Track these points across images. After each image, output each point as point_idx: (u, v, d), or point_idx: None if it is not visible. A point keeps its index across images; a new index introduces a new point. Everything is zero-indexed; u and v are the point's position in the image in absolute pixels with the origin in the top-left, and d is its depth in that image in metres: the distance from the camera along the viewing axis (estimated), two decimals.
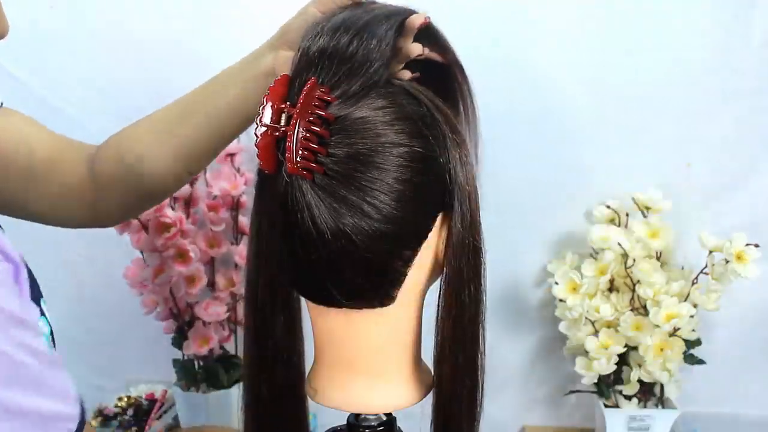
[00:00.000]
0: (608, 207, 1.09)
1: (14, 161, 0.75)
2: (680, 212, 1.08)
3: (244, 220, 1.10)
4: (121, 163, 0.77)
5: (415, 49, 0.66)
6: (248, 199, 1.09)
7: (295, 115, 0.55)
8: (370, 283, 0.58)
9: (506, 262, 1.12)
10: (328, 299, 0.59)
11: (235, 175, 1.09)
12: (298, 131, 0.54)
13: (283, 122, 0.55)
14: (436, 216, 0.58)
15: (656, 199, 1.07)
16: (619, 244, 1.02)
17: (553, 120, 1.09)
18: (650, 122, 1.09)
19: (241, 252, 1.10)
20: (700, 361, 1.07)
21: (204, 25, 1.11)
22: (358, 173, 0.55)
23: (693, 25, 1.05)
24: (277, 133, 0.55)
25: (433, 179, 0.57)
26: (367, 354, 0.62)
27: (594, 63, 1.07)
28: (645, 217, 1.07)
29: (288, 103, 0.56)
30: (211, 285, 1.10)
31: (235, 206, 1.10)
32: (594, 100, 1.08)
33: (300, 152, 0.54)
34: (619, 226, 1.08)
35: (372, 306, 0.59)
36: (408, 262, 0.58)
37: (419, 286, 0.60)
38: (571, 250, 1.11)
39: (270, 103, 0.56)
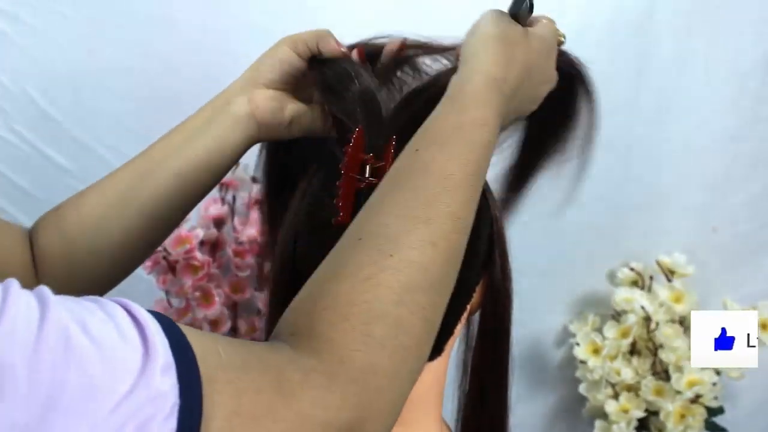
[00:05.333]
0: (632, 269, 1.09)
1: None
2: (704, 277, 1.08)
3: (269, 267, 1.11)
4: (65, 239, 0.65)
5: None
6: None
7: (384, 169, 0.56)
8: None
9: (528, 321, 1.12)
10: None
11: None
12: None
13: (368, 174, 0.57)
14: (485, 266, 0.61)
15: (681, 264, 1.07)
16: (642, 308, 1.03)
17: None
18: (677, 186, 1.10)
19: (264, 298, 1.11)
20: (722, 429, 1.06)
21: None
22: None
23: (723, 92, 1.07)
24: (363, 185, 0.57)
25: (484, 232, 0.61)
26: (410, 406, 0.61)
27: (622, 125, 1.08)
28: (669, 281, 1.07)
29: (372, 154, 0.58)
30: (233, 330, 1.11)
31: (261, 253, 1.12)
32: (622, 163, 1.09)
33: None
34: (642, 288, 1.08)
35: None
36: (462, 314, 0.61)
37: (456, 336, 0.63)
38: (593, 310, 1.11)
39: (355, 155, 0.57)
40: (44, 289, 0.37)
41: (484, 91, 0.53)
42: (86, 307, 0.38)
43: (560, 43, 0.64)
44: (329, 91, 0.64)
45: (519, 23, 0.59)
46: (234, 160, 0.68)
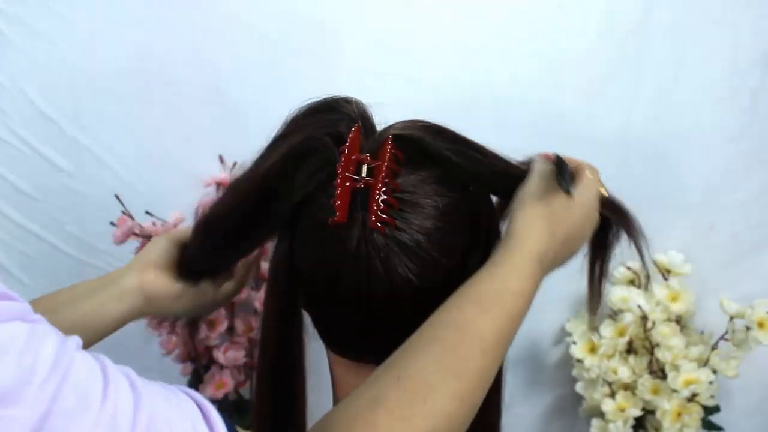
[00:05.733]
0: (628, 268, 1.09)
1: None
2: (701, 276, 1.08)
3: (266, 266, 1.11)
4: None
5: None
6: (270, 246, 1.09)
7: (380, 169, 0.57)
8: None
9: (525, 320, 1.11)
10: (378, 355, 0.60)
11: None
12: (380, 186, 0.57)
13: (364, 173, 0.58)
14: (482, 262, 0.61)
15: (677, 263, 1.07)
16: (639, 307, 1.02)
17: None
18: (674, 185, 1.09)
19: (261, 298, 1.11)
20: (719, 428, 1.06)
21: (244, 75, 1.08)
22: (426, 228, 0.58)
23: (721, 91, 1.06)
24: (361, 185, 0.57)
25: (480, 231, 0.63)
26: None
27: (619, 122, 1.08)
28: (665, 279, 1.07)
29: (368, 155, 0.58)
30: (230, 329, 1.11)
31: (258, 252, 1.11)
32: (620, 162, 1.08)
33: (382, 206, 0.56)
34: (638, 287, 1.07)
35: None
36: None
37: None
38: None
39: (351, 155, 0.58)
40: (131, 373, 0.42)
41: (528, 265, 0.59)
42: (165, 396, 0.43)
43: (602, 195, 0.68)
44: (324, 112, 0.65)
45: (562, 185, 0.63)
46: (112, 330, 0.73)
